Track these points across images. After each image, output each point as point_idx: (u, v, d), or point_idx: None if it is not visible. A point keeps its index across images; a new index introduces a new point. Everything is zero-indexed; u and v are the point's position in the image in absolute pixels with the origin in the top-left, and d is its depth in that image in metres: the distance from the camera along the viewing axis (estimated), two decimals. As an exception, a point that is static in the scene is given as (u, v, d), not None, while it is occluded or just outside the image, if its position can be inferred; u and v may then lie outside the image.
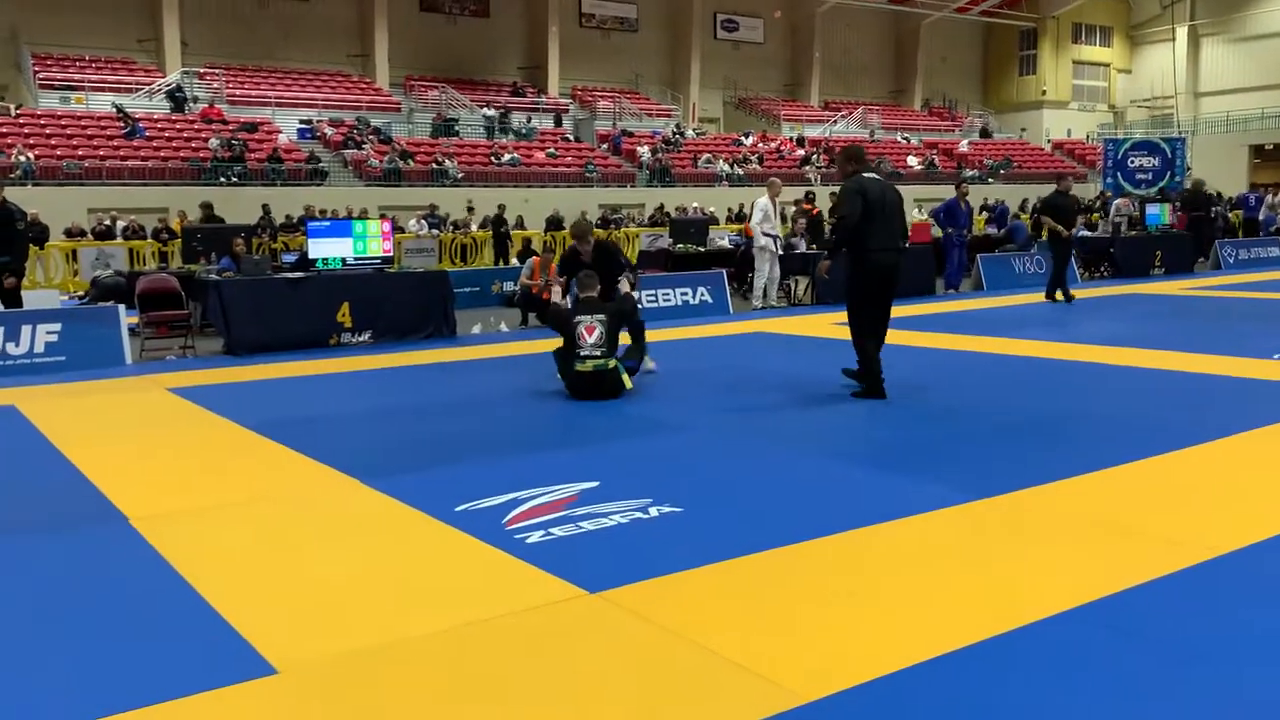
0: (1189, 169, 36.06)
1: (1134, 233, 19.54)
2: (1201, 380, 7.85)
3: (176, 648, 3.31)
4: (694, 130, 38.90)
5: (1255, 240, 21.99)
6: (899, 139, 42.63)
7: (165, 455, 6.12)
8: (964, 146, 42.82)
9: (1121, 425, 6.32)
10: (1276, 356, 8.71)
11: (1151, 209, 19.86)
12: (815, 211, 18.04)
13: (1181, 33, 47.22)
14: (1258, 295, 14.42)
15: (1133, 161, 33.52)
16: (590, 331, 7.51)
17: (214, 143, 27.52)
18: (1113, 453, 5.48)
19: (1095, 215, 22.11)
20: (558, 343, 7.85)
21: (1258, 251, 21.45)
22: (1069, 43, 48.74)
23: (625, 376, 7.57)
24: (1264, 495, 4.74)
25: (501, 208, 24.93)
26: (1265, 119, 43.20)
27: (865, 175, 7.36)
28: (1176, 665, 3.02)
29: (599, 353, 7.47)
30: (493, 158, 31.46)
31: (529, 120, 35.27)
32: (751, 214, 14.59)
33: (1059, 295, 14.07)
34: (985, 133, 46.56)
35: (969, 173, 38.67)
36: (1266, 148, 41.96)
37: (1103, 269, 18.59)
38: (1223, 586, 3.62)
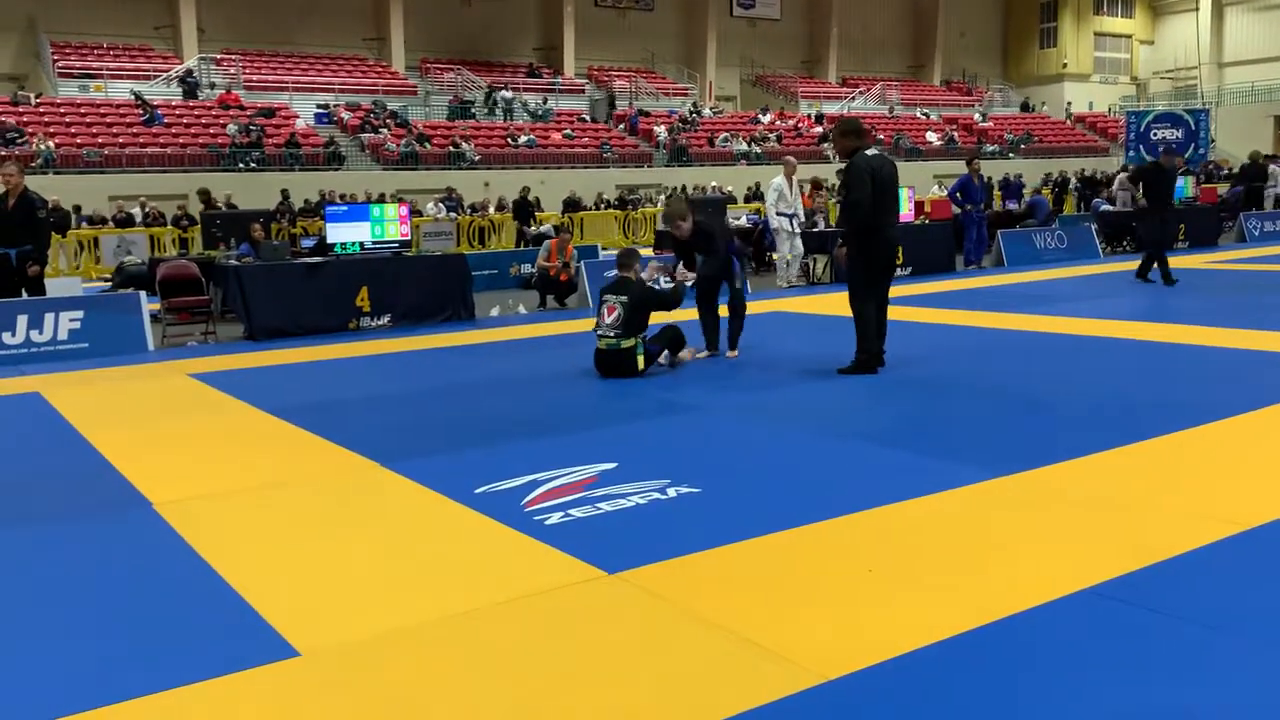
0: (1213, 140, 35.60)
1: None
2: (1224, 355, 7.77)
3: (200, 631, 3.35)
4: (711, 109, 38.71)
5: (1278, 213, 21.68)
6: (918, 114, 42.28)
7: (188, 441, 6.17)
8: (982, 120, 42.42)
9: (1142, 401, 6.27)
10: (1302, 330, 8.61)
11: (1177, 182, 19.60)
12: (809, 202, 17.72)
13: (1205, 2, 46.51)
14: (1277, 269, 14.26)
15: (1155, 134, 33.14)
16: (610, 312, 7.62)
17: (232, 128, 27.63)
18: (1134, 429, 5.44)
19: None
20: (573, 324, 7.92)
21: (1283, 224, 21.15)
22: (1090, 14, 48.14)
23: (640, 358, 7.61)
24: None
25: (526, 189, 24.80)
26: (1291, 89, 42.59)
27: (869, 153, 7.27)
28: (1197, 641, 3.00)
29: (613, 333, 7.58)
30: (509, 139, 31.42)
31: (545, 101, 35.18)
32: (767, 194, 14.53)
33: (1156, 276, 12.62)
34: (1025, 106, 46.09)
35: (989, 148, 38.32)
36: (1292, 118, 41.38)
37: (1125, 243, 18.41)
38: (1247, 561, 3.59)
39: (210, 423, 6.67)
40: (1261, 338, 8.35)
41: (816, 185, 18.13)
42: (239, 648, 3.18)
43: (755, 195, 26.64)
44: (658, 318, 7.95)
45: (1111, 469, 4.81)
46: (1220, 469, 4.78)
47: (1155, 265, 12.62)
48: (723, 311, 8.48)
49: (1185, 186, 19.51)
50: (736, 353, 8.41)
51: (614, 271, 8.39)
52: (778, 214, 14.03)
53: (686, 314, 8.57)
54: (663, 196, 29.62)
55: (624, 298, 7.63)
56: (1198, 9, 46.31)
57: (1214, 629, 3.08)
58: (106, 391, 7.99)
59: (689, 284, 8.24)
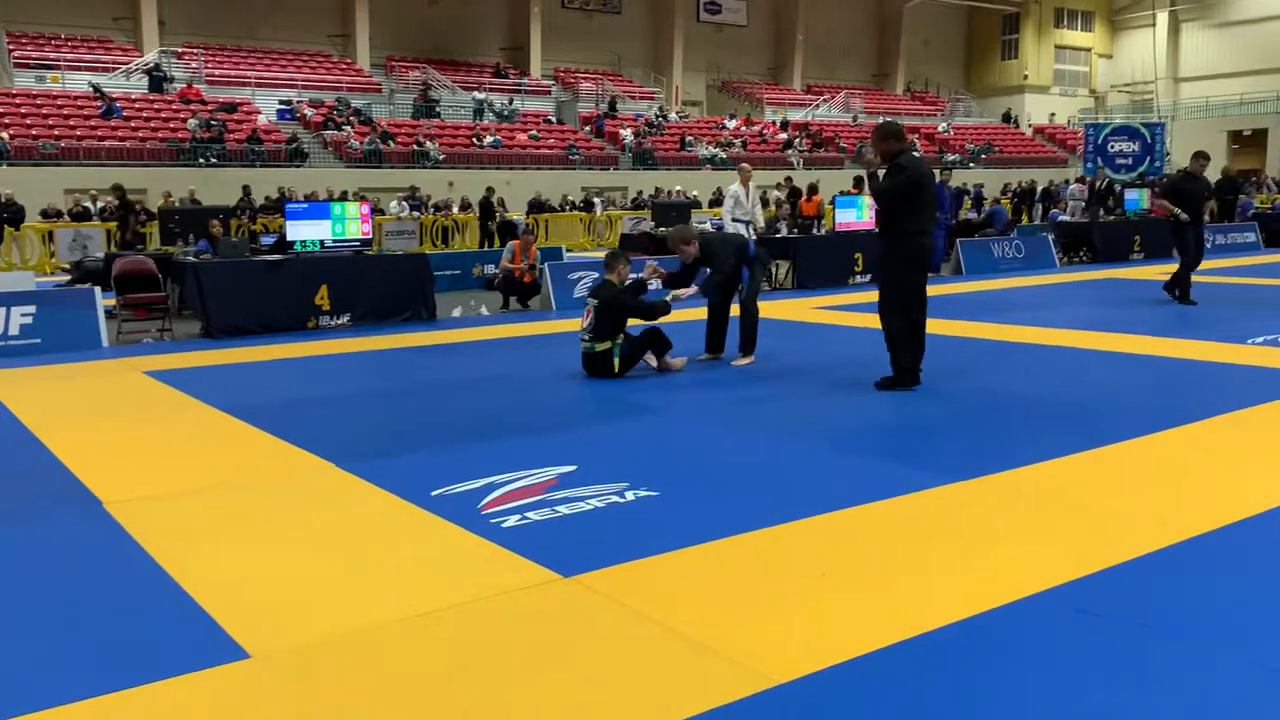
0: (1169, 154, 36.24)
1: (1113, 217, 19.65)
2: (1177, 365, 7.92)
3: (149, 633, 3.31)
4: (677, 113, 38.80)
5: (1232, 226, 22.11)
6: (881, 123, 42.65)
7: (141, 439, 6.09)
8: (945, 130, 42.90)
9: (1098, 409, 6.38)
10: (1250, 342, 8.79)
11: (1130, 194, 19.98)
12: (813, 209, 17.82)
13: (1162, 18, 47.37)
14: (1233, 280, 14.55)
15: (1113, 146, 33.67)
16: (587, 314, 7.75)
17: (192, 123, 27.28)
18: (1088, 436, 5.53)
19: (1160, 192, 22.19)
20: (536, 326, 7.91)
21: (1234, 237, 21.60)
22: (1051, 27, 48.83)
23: (616, 361, 7.66)
24: (1235, 478, 4.79)
25: (490, 190, 24.69)
26: (1244, 105, 43.47)
27: (915, 155, 7.04)
28: (1148, 646, 3.06)
29: (587, 335, 7.72)
30: (475, 139, 31.31)
31: (511, 102, 35.08)
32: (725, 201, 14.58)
33: (1177, 293, 12.03)
34: (1007, 117, 46.64)
35: (950, 157, 38.75)
36: (1245, 133, 42.22)
37: (1082, 253, 18.70)
38: (1196, 568, 3.67)
39: (164, 421, 6.58)
40: (1217, 349, 8.52)
41: (811, 190, 18.14)
42: (188, 650, 3.14)
43: (719, 201, 26.74)
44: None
45: (1070, 474, 4.88)
46: (1173, 476, 4.87)
47: (1175, 282, 12.05)
48: (734, 310, 8.41)
49: (1140, 199, 19.86)
50: (748, 360, 8.24)
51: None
52: (733, 220, 14.09)
53: (690, 314, 8.56)
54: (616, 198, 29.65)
55: (596, 301, 7.72)
56: (1155, 25, 47.16)
57: (1162, 635, 3.14)
58: (58, 388, 7.86)
59: (676, 302, 8.13)
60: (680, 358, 8.07)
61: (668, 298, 7.99)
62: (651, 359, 7.89)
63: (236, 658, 3.09)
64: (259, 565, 3.91)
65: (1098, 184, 21.94)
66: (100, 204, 22.03)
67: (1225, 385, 7.06)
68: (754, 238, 14.16)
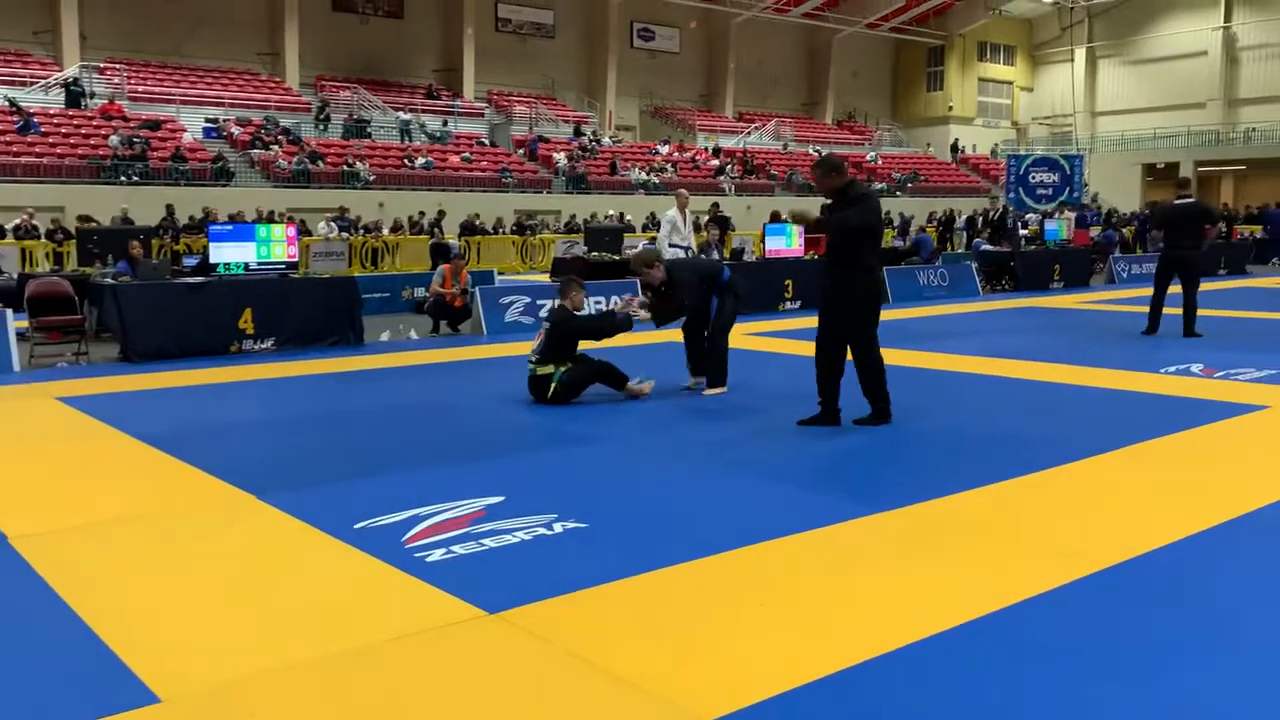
0: (1086, 185, 37.39)
1: (1034, 247, 20.18)
2: (1093, 394, 8.12)
3: (53, 674, 3.17)
4: (610, 138, 38.96)
5: (1146, 256, 22.87)
6: (811, 151, 43.33)
7: (51, 469, 5.87)
8: (872, 159, 43.72)
9: (1019, 439, 6.50)
10: (1163, 371, 9.06)
11: (1050, 225, 20.55)
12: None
13: (1080, 54, 49.00)
14: (1147, 310, 14.99)
15: (1034, 177, 34.60)
16: (539, 337, 7.79)
17: (114, 140, 26.61)
18: (1010, 465, 5.62)
19: (1033, 229, 22.82)
20: (467, 351, 7.84)
21: (1148, 267, 22.31)
22: (974, 60, 50.17)
23: (553, 385, 7.62)
24: (1151, 506, 4.91)
25: (441, 213, 24.66)
26: (1157, 139, 45.08)
27: (862, 183, 6.91)
28: (1075, 675, 3.10)
29: (534, 358, 7.74)
30: (406, 161, 31.05)
31: (445, 124, 34.90)
32: (660, 226, 14.63)
33: (1190, 329, 11.41)
34: (955, 148, 47.65)
35: (878, 185, 39.49)
36: (1159, 166, 43.73)
37: (1004, 282, 19.15)
38: (1117, 596, 3.74)
39: (76, 450, 6.36)
40: (1133, 378, 8.75)
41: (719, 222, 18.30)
42: (94, 693, 3.02)
43: (653, 224, 26.85)
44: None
45: (990, 504, 4.95)
46: (1087, 506, 4.97)
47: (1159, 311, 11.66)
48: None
49: (1059, 229, 20.45)
50: (716, 390, 7.99)
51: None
52: (670, 245, 14.15)
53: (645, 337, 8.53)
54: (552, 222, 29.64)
55: (546, 324, 7.80)
56: (1073, 60, 48.77)
57: (1077, 667, 3.18)
58: (-36, 415, 7.56)
59: (638, 318, 8.08)
60: (647, 382, 7.91)
61: (622, 308, 7.97)
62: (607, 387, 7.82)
63: (146, 702, 2.97)
64: (171, 602, 3.78)
65: (991, 214, 22.48)
66: (15, 221, 21.35)
67: (1139, 414, 7.24)
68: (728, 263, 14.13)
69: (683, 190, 15.51)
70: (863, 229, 6.54)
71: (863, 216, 6.54)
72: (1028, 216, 25.65)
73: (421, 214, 25.81)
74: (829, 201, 6.89)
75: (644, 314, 8.07)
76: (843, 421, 6.75)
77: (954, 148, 48.14)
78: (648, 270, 8.05)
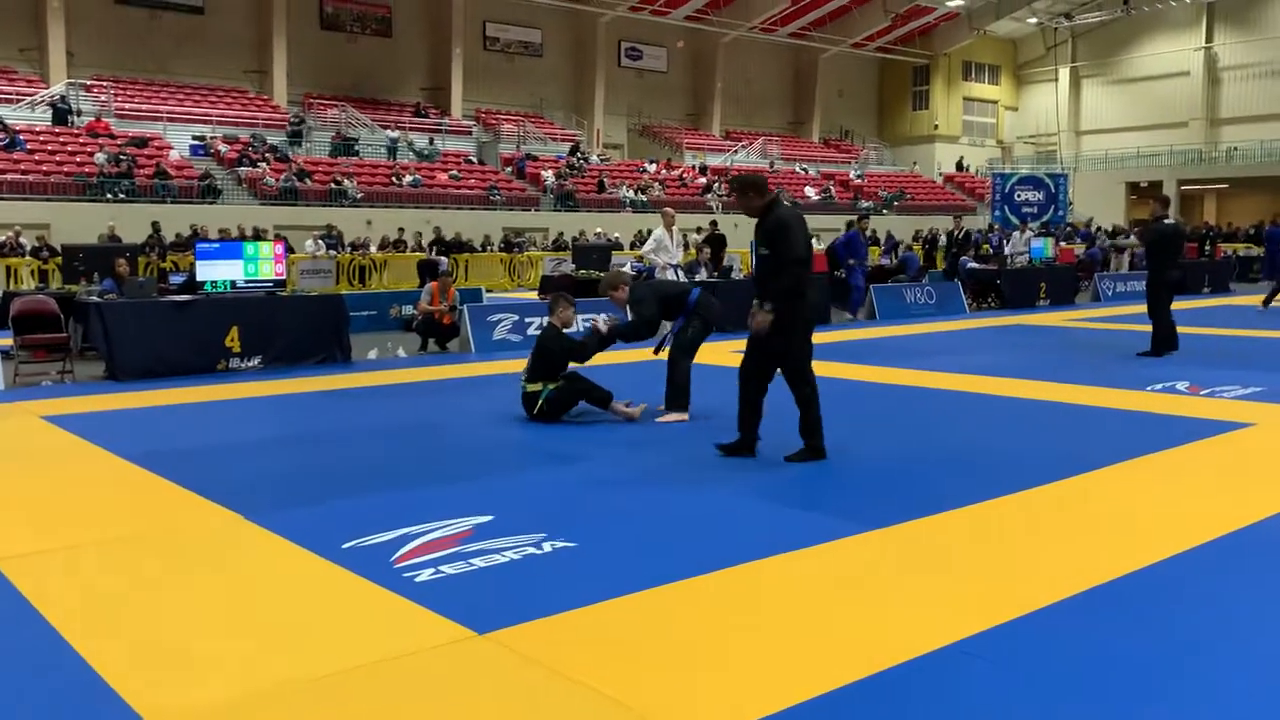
0: (1071, 203, 37.67)
1: (1020, 265, 20.30)
2: (1081, 412, 8.15)
3: (38, 697, 3.14)
4: (598, 156, 39.07)
5: (1131, 274, 23.03)
6: (797, 169, 43.53)
7: (36, 489, 5.83)
8: (858, 177, 43.94)
9: (1004, 457, 6.51)
10: (1150, 388, 9.10)
11: (1036, 243, 20.68)
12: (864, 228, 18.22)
13: (1064, 73, 49.45)
14: (1132, 328, 15.08)
15: (1019, 195, 34.88)
16: (532, 354, 7.88)
17: (100, 157, 26.54)
18: (994, 484, 5.63)
19: (985, 246, 22.97)
20: (456, 369, 7.84)
21: (1132, 285, 22.47)
22: (960, 80, 50.56)
23: (540, 403, 7.65)
24: (1136, 527, 4.93)
25: (437, 230, 24.69)
26: (1140, 158, 45.47)
27: (786, 204, 6.46)
28: (1055, 699, 3.10)
29: (523, 375, 7.83)
30: (394, 178, 31.06)
31: (431, 142, 34.94)
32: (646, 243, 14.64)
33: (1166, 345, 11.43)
34: (960, 165, 47.93)
35: (864, 203, 39.70)
36: (1142, 184, 44.08)
37: (990, 299, 19.24)
38: (1099, 619, 3.74)
39: (61, 469, 6.31)
40: (1119, 396, 8.79)
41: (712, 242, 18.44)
42: (77, 717, 2.99)
43: (641, 241, 26.91)
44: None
45: (976, 523, 4.96)
46: (1072, 523, 4.98)
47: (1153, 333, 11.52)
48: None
49: (1045, 247, 20.58)
50: (676, 416, 7.77)
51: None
52: (662, 264, 14.16)
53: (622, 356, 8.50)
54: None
55: (537, 341, 7.90)
56: (1057, 80, 49.21)
57: (1064, 690, 3.18)
58: (-53, 434, 7.50)
59: (604, 334, 8.04)
60: (638, 406, 7.79)
61: (593, 325, 7.96)
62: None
63: (130, 726, 2.94)
64: (157, 623, 3.75)
65: (955, 232, 22.58)
66: (1, 239, 21.27)
67: (1125, 432, 7.27)
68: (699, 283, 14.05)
69: (669, 209, 15.53)
70: (803, 261, 6.11)
71: (800, 249, 6.07)
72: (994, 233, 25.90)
73: (419, 234, 25.83)
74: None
75: (604, 328, 8.05)
76: (757, 453, 6.42)
77: (959, 166, 48.42)
78: (613, 293, 8.15)
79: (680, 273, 14.36)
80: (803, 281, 6.14)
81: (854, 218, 19.48)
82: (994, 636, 3.55)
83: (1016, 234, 21.87)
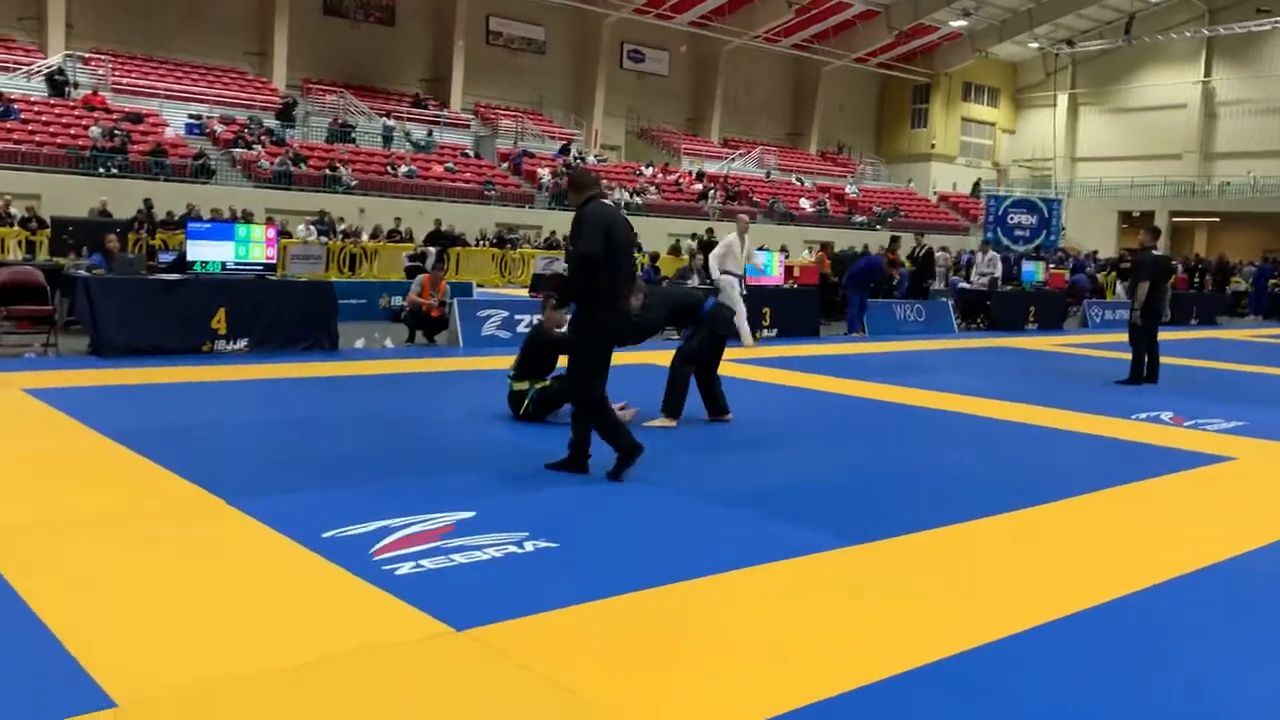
0: (1064, 229, 37.85)
1: (1010, 288, 20.40)
2: (1063, 437, 8.17)
3: (6, 676, 3.10)
4: (595, 156, 39.04)
5: (1119, 301, 23.13)
6: (793, 180, 43.59)
7: (12, 462, 5.77)
8: (853, 192, 44.04)
9: (982, 480, 6.52)
10: (1134, 417, 9.14)
11: (1027, 266, 20.78)
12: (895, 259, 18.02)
13: (1062, 99, 49.69)
14: (1121, 356, 15.15)
15: (1012, 218, 34.98)
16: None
17: (95, 131, 26.36)
18: (971, 507, 5.64)
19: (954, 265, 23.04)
20: (442, 362, 7.81)
21: (1121, 313, 22.58)
22: (959, 100, 50.74)
23: (527, 403, 7.62)
24: (1110, 557, 4.93)
25: (438, 222, 24.55)
26: (1134, 187, 45.72)
27: (605, 202, 5.99)
28: (1028, 723, 3.10)
29: (511, 372, 7.80)
30: (389, 168, 30.97)
31: (430, 133, 34.85)
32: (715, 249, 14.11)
33: (1144, 375, 11.53)
34: (976, 187, 47.98)
35: (858, 218, 39.79)
36: (1134, 214, 44.32)
37: (979, 321, 19.31)
38: (1068, 647, 3.74)
39: (40, 444, 6.26)
40: (1104, 423, 8.82)
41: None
42: (48, 696, 2.95)
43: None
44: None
45: (951, 545, 4.96)
46: (1049, 550, 4.99)
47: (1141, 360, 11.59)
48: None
49: (1036, 271, 20.68)
50: (661, 422, 7.70)
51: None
52: (722, 272, 13.39)
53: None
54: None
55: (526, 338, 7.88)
56: (1055, 106, 49.44)
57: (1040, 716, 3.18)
58: (-74, 401, 7.43)
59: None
60: (630, 409, 7.71)
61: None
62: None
63: (102, 706, 2.91)
64: (132, 605, 3.71)
65: (917, 250, 22.37)
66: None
67: (1107, 459, 7.29)
68: (746, 293, 13.56)
69: (743, 216, 15.09)
70: (584, 258, 5.65)
71: (585, 245, 5.66)
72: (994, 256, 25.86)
73: (438, 222, 25.68)
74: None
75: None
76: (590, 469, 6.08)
77: (975, 187, 48.41)
78: (632, 299, 8.07)
79: (743, 284, 13.74)
80: (590, 280, 5.70)
81: (883, 244, 19.10)
82: (959, 663, 3.55)
83: (979, 255, 21.74)
